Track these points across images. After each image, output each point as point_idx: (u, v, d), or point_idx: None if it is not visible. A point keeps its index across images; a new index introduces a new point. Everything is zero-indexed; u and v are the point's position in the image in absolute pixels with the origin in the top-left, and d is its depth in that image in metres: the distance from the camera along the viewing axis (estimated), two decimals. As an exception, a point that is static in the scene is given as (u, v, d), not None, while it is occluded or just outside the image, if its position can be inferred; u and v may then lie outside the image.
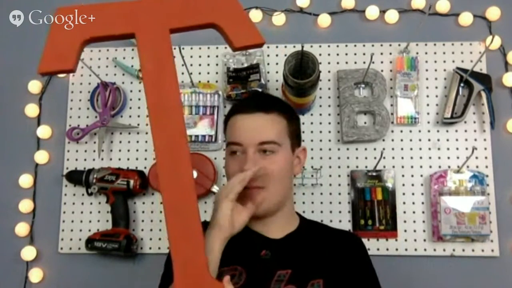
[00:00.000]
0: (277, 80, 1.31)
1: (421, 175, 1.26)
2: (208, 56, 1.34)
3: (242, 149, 0.91)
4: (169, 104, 0.70)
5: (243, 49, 0.74)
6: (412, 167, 1.26)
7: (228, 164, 0.93)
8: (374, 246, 1.21)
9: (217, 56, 1.34)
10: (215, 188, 1.25)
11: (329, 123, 1.30)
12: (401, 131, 1.28)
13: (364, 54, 1.32)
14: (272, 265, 0.88)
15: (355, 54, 1.32)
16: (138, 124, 1.31)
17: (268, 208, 0.91)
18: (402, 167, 1.27)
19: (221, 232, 0.81)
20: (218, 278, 0.73)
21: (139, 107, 1.33)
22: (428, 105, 1.29)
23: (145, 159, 1.30)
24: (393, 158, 1.27)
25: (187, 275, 0.67)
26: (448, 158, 1.26)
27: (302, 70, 1.16)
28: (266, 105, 0.95)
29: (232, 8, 0.73)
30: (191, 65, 1.33)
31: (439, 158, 1.26)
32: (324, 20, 1.33)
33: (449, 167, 1.25)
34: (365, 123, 1.29)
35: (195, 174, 1.23)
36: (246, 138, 0.91)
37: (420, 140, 1.28)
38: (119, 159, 1.31)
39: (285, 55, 1.26)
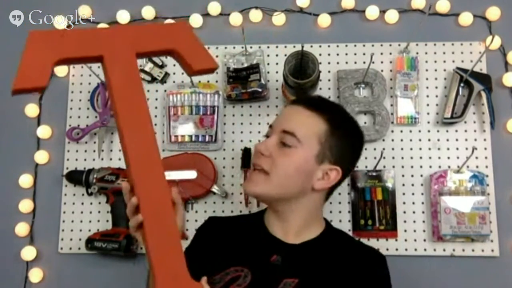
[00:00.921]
0: (277, 80, 1.31)
1: (421, 175, 1.26)
2: (208, 56, 1.34)
3: (271, 133, 0.93)
4: (140, 120, 0.75)
5: (199, 73, 0.79)
6: (412, 167, 1.26)
7: None
8: (374, 246, 1.20)
9: (217, 56, 1.34)
10: (215, 188, 1.25)
11: (329, 123, 1.30)
12: (401, 131, 1.28)
13: (364, 54, 1.32)
14: (280, 272, 0.86)
15: (355, 54, 1.32)
16: (138, 124, 1.31)
17: (261, 195, 0.90)
18: (402, 167, 1.27)
19: None
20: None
21: (139, 107, 1.33)
22: (428, 105, 1.29)
23: (145, 159, 1.30)
24: (393, 158, 1.27)
25: (167, 277, 0.69)
26: (448, 158, 1.26)
27: (302, 70, 1.16)
28: (311, 103, 0.94)
29: (188, 36, 0.80)
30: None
31: (439, 158, 1.26)
32: (324, 20, 1.33)
33: (449, 167, 1.25)
34: (365, 123, 1.29)
35: (195, 174, 1.24)
36: (276, 123, 0.93)
37: (420, 140, 1.28)
38: (119, 159, 1.31)
39: (285, 55, 1.26)
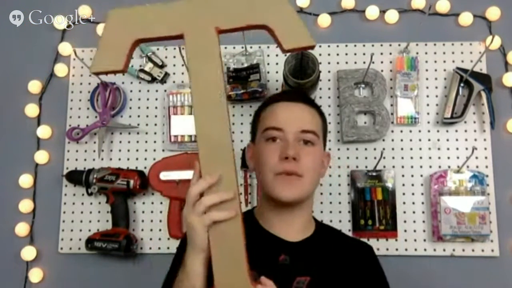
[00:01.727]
0: (277, 80, 1.31)
1: (421, 175, 1.26)
2: (208, 56, 1.34)
3: (282, 135, 0.89)
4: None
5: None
6: (412, 167, 1.26)
7: (265, 150, 0.90)
8: (374, 246, 1.19)
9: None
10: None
11: (329, 123, 1.28)
12: (401, 131, 1.28)
13: (364, 54, 1.32)
14: (291, 271, 0.86)
15: (355, 54, 1.32)
16: (138, 124, 1.31)
17: (299, 197, 0.89)
18: (402, 167, 1.27)
19: (204, 253, 0.75)
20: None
21: (139, 107, 1.33)
22: (428, 105, 1.29)
23: (145, 159, 1.30)
24: (393, 158, 1.27)
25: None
26: (448, 158, 1.26)
27: (302, 70, 1.16)
28: (308, 99, 0.97)
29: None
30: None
31: (439, 158, 1.26)
32: (324, 20, 1.33)
33: (449, 167, 1.25)
34: (365, 123, 1.29)
35: (195, 174, 1.23)
36: (288, 124, 0.89)
37: (420, 140, 1.28)
38: (119, 159, 1.31)
39: (285, 55, 1.26)
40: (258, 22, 0.73)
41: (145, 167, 1.29)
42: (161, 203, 1.28)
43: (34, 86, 1.36)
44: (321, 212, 1.25)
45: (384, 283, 0.94)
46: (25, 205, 1.30)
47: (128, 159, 1.31)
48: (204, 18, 0.73)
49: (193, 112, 0.74)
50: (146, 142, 1.31)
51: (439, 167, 1.26)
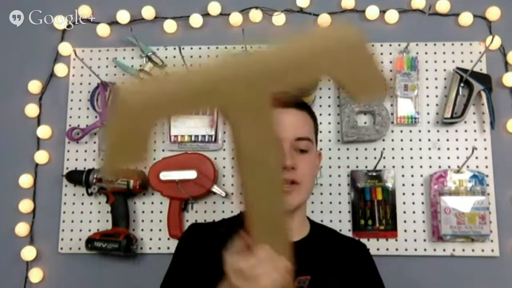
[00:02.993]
0: (277, 80, 1.30)
1: (421, 175, 1.26)
2: (208, 56, 1.34)
3: None
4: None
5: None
6: (412, 167, 1.26)
7: None
8: (374, 246, 1.21)
9: (217, 56, 1.33)
10: (215, 188, 1.25)
11: (329, 123, 1.30)
12: (401, 131, 1.28)
13: (364, 54, 1.32)
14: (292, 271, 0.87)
15: (355, 54, 1.32)
16: (138, 124, 1.31)
17: (297, 205, 0.89)
18: (402, 167, 1.27)
19: None
20: None
21: (139, 107, 1.33)
22: (428, 105, 1.29)
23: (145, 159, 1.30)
24: (393, 158, 1.27)
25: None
26: (448, 158, 1.26)
27: (302, 70, 1.16)
28: (299, 102, 0.95)
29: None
30: (191, 65, 1.32)
31: (439, 158, 1.26)
32: (324, 20, 1.33)
33: (449, 167, 1.25)
34: (365, 123, 1.29)
35: (195, 174, 1.23)
36: (283, 133, 0.88)
37: (420, 140, 1.28)
38: (119, 159, 1.31)
39: (285, 55, 1.26)
40: (318, 76, 0.60)
41: (145, 167, 1.29)
42: (161, 203, 1.28)
43: (34, 86, 1.36)
44: (321, 212, 1.25)
45: (379, 282, 0.94)
46: (25, 205, 1.30)
47: (128, 159, 1.31)
48: (255, 84, 0.55)
49: (244, 195, 0.61)
50: (146, 142, 1.31)
51: (439, 167, 1.26)
